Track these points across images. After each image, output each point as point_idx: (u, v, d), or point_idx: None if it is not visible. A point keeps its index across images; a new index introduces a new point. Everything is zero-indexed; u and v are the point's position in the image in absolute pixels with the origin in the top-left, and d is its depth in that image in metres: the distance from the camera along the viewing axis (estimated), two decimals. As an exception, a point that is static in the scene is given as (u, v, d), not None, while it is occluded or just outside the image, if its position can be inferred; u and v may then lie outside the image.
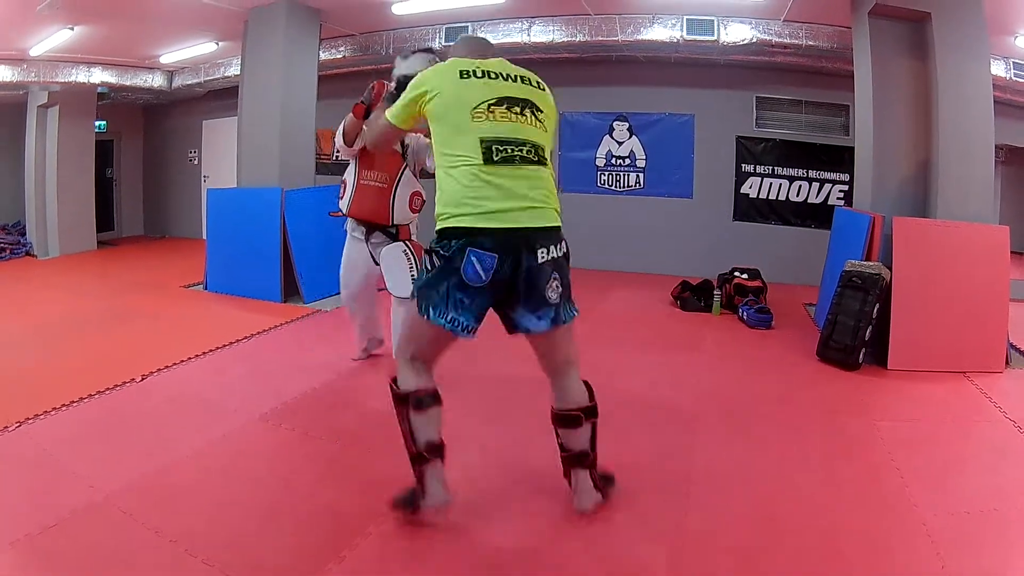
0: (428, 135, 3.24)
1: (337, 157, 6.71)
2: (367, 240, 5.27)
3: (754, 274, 8.32)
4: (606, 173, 11.04)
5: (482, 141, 2.97)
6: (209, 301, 8.81)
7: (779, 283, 8.90)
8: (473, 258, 2.90)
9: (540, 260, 2.96)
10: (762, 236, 10.27)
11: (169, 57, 11.94)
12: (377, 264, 5.22)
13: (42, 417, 4.62)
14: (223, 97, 13.05)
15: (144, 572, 2.96)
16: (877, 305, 5.98)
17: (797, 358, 6.36)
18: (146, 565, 2.99)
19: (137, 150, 16.13)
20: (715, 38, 8.67)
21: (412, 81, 3.21)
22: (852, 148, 7.71)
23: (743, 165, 10.38)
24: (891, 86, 6.67)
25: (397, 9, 8.95)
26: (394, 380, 3.25)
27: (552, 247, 3.00)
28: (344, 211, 5.31)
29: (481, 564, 3.04)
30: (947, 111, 6.27)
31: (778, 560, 3.10)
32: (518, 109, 3.07)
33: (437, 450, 3.19)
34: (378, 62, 10.03)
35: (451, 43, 9.58)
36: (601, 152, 11.04)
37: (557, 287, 3.04)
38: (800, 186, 10.18)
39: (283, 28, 8.71)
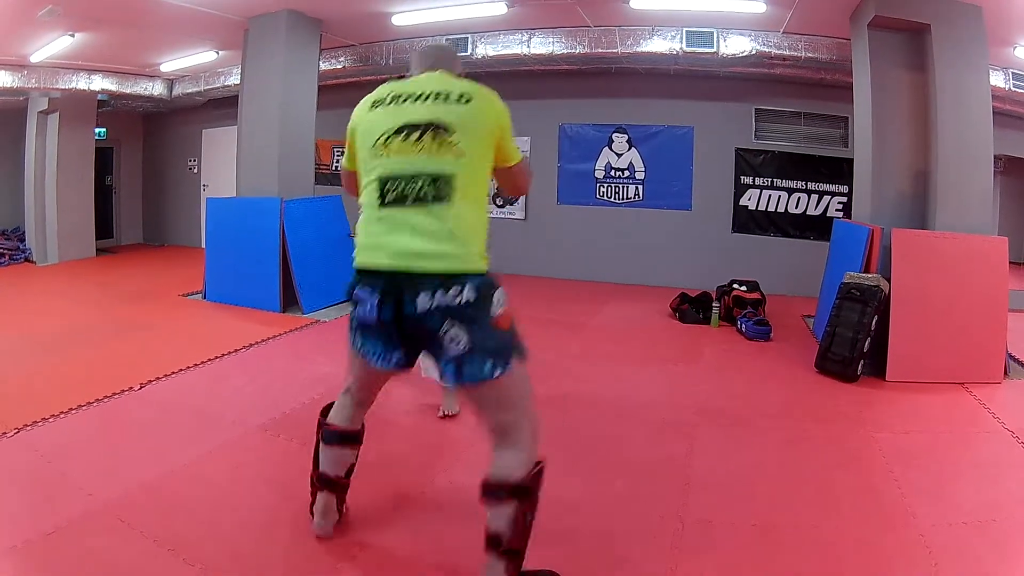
0: None
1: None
2: None
3: (753, 286, 8.33)
4: (605, 185, 11.06)
5: (379, 180, 2.75)
6: (208, 310, 8.81)
7: (778, 295, 8.93)
8: (360, 298, 2.76)
9: (420, 308, 2.60)
10: (761, 248, 10.29)
11: (169, 65, 11.94)
12: None
13: (40, 424, 4.62)
14: (223, 106, 13.06)
15: (141, 580, 2.95)
16: (876, 317, 5.99)
17: (796, 370, 6.36)
18: (143, 574, 2.99)
19: (136, 158, 16.17)
20: (714, 50, 8.70)
21: None
22: (851, 160, 7.77)
23: (742, 177, 10.40)
24: (890, 98, 6.70)
25: (397, 20, 8.98)
26: (329, 404, 3.28)
27: (438, 293, 2.59)
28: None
29: None
30: (946, 122, 6.30)
31: (776, 571, 3.11)
32: (416, 136, 2.71)
33: (330, 484, 3.22)
34: (378, 73, 10.06)
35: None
36: (600, 164, 11.07)
37: (455, 338, 2.62)
38: (799, 198, 10.20)
39: (283, 38, 8.74)
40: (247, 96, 9.25)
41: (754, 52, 8.63)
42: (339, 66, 10.53)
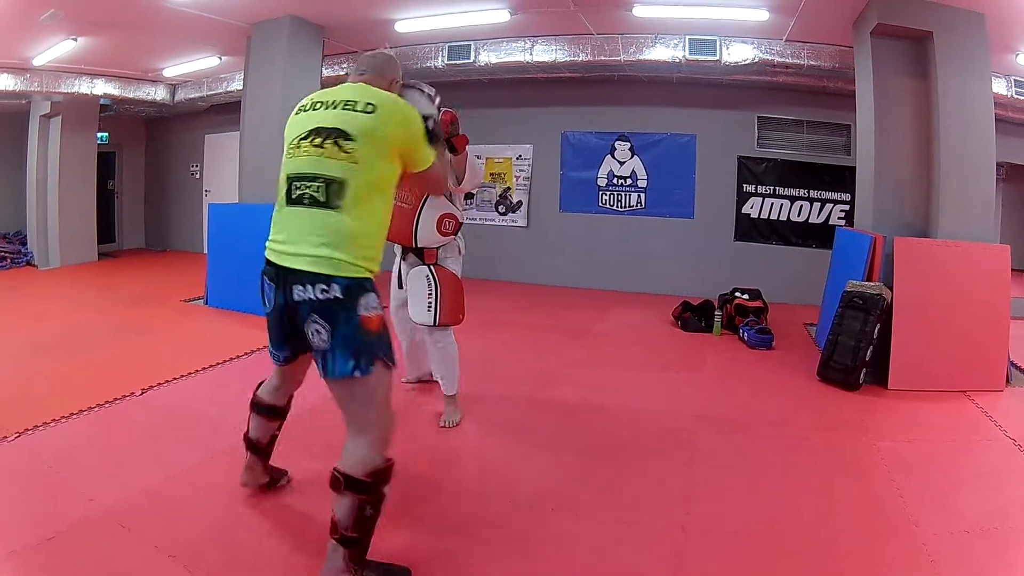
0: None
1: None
2: (403, 261, 5.08)
3: (755, 294, 8.35)
4: (607, 193, 11.09)
5: (287, 178, 2.99)
6: (210, 316, 8.85)
7: (780, 303, 8.95)
8: (263, 284, 3.08)
9: (296, 297, 2.86)
10: (763, 256, 10.32)
11: (172, 70, 12.01)
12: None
13: (41, 428, 4.63)
14: (225, 112, 13.10)
15: (142, 586, 2.95)
16: (878, 325, 6.00)
17: (798, 378, 6.37)
18: None
19: (139, 163, 16.23)
20: (717, 58, 8.74)
21: None
22: (853, 168, 7.81)
23: (745, 185, 10.43)
24: (892, 105, 6.73)
25: (400, 27, 9.03)
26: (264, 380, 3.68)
27: (310, 287, 2.82)
28: None
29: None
30: (948, 129, 6.33)
31: (777, 579, 3.11)
32: (320, 140, 2.92)
33: (254, 448, 3.70)
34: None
35: (453, 62, 9.62)
36: (603, 172, 11.09)
37: (319, 332, 2.85)
38: (801, 206, 10.24)
39: (286, 44, 8.77)
40: (250, 102, 9.28)
41: (757, 60, 8.66)
42: (342, 72, 10.44)
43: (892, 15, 6.47)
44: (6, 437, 4.45)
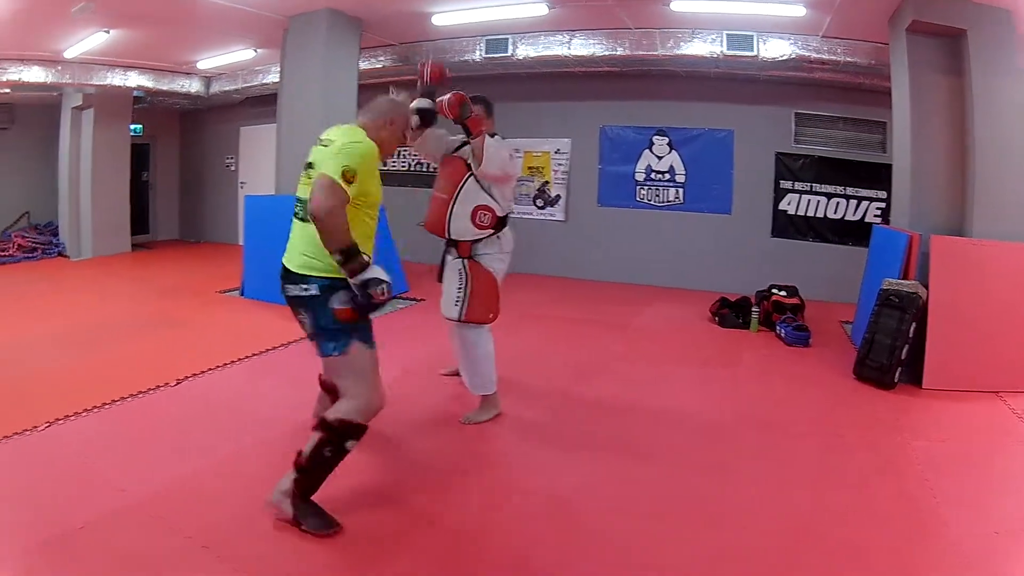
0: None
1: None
2: (446, 253, 5.10)
3: (792, 291, 8.45)
4: (645, 188, 11.21)
5: (296, 199, 3.78)
6: (246, 307, 9.03)
7: (816, 300, 8.99)
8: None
9: (289, 293, 3.63)
10: (800, 253, 10.40)
11: (207, 63, 12.20)
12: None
13: (72, 418, 4.78)
14: (260, 104, 13.31)
15: (172, 577, 3.12)
16: (914, 324, 6.07)
17: (833, 376, 6.45)
18: (175, 569, 3.11)
19: (173, 154, 16.49)
20: (755, 53, 8.89)
21: None
22: (889, 165, 7.87)
23: (781, 181, 10.53)
24: (928, 102, 6.79)
25: (437, 20, 9.18)
26: None
27: (292, 286, 3.60)
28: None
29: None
30: (983, 127, 6.39)
31: (808, 576, 3.26)
32: (305, 170, 3.69)
33: (324, 386, 4.19)
34: (417, 73, 10.15)
35: (491, 55, 9.71)
36: (641, 166, 11.21)
37: (305, 321, 3.65)
38: (838, 203, 10.32)
39: (324, 37, 8.94)
40: (287, 94, 9.46)
41: (794, 56, 8.79)
42: (379, 65, 10.75)
43: (927, 12, 6.53)
44: (36, 427, 4.58)
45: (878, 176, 9.80)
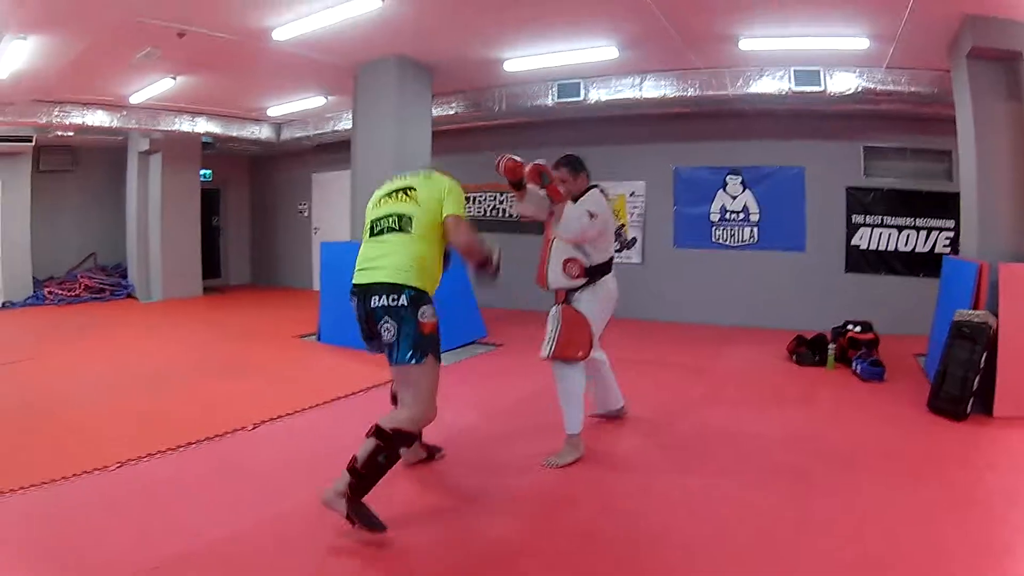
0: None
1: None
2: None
3: (867, 326, 8.56)
4: (720, 228, 11.45)
5: (371, 222, 4.29)
6: (323, 352, 9.27)
7: (890, 334, 9.03)
8: (351, 301, 4.22)
9: (372, 304, 3.98)
10: (874, 287, 10.54)
11: (276, 110, 12.67)
12: None
13: (146, 460, 4.94)
14: (332, 150, 13.70)
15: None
16: (984, 353, 6.12)
17: (907, 410, 6.50)
18: None
19: (244, 200, 17.13)
20: (822, 88, 9.15)
21: None
22: (957, 194, 7.99)
23: (853, 216, 10.71)
24: (992, 129, 6.89)
25: (508, 66, 9.55)
26: None
27: (383, 296, 3.95)
28: None
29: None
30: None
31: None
32: (395, 194, 4.27)
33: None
34: (490, 118, 10.73)
35: (563, 99, 9.97)
36: (715, 207, 11.45)
37: (389, 329, 3.95)
38: (908, 235, 10.48)
39: (394, 84, 9.32)
40: (360, 142, 9.82)
41: (860, 89, 9.03)
42: (451, 112, 11.11)
43: (985, 37, 6.68)
44: (107, 467, 4.75)
45: (946, 205, 9.94)
